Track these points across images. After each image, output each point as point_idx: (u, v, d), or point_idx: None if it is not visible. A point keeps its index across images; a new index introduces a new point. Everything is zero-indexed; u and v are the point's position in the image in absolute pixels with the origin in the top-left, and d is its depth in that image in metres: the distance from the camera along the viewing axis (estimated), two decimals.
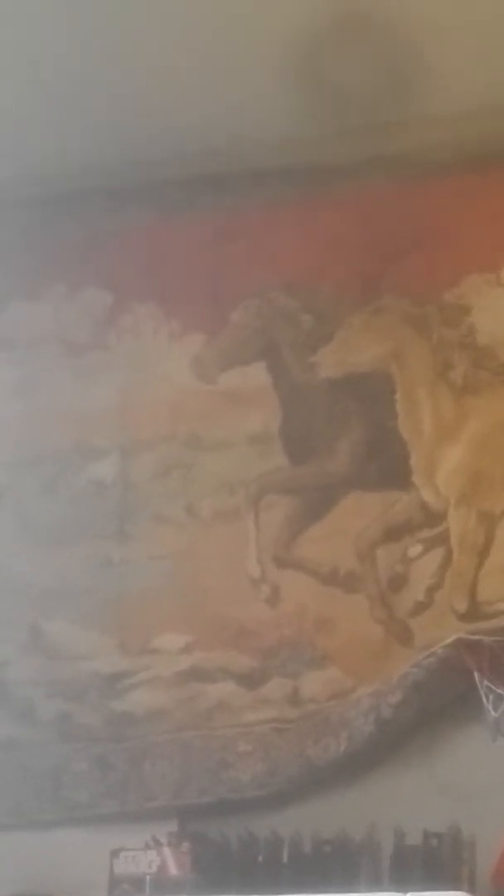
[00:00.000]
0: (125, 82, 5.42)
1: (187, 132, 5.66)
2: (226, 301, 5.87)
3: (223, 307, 5.87)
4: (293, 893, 4.75)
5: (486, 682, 4.93)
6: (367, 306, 5.69)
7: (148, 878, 5.01)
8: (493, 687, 4.92)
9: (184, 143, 5.71)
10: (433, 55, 5.30)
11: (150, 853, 5.06)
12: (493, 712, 4.91)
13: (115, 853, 5.09)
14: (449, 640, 5.10)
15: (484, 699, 4.92)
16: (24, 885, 5.27)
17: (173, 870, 5.01)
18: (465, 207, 5.64)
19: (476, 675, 4.95)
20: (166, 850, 5.05)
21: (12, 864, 5.35)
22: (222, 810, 5.27)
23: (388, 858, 4.94)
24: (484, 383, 5.49)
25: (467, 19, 5.13)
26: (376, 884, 4.89)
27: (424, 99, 5.50)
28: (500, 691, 4.90)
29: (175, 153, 5.76)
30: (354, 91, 5.43)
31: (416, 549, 5.43)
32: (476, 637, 5.05)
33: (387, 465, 5.53)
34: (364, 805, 5.11)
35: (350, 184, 5.74)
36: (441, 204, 5.67)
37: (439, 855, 4.89)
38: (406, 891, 4.75)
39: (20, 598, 5.82)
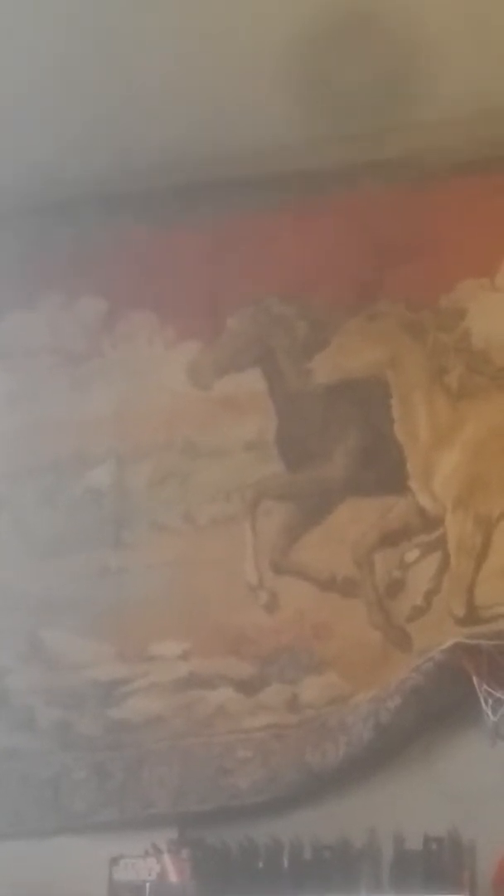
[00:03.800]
0: (120, 90, 5.42)
1: (182, 140, 5.66)
2: (221, 308, 5.86)
3: (219, 314, 5.86)
4: None
5: (484, 687, 4.93)
6: (362, 312, 5.69)
7: (148, 885, 5.01)
8: (491, 691, 4.92)
9: (179, 150, 5.71)
10: (430, 61, 5.29)
11: (150, 860, 5.05)
12: (491, 716, 4.91)
13: (114, 861, 5.08)
14: (447, 645, 5.09)
15: (483, 703, 4.92)
16: (24, 893, 5.27)
17: (173, 877, 5.01)
18: (461, 212, 5.64)
19: (475, 679, 4.95)
20: (166, 858, 5.05)
21: (12, 872, 5.34)
22: (222, 817, 5.26)
23: (388, 864, 4.93)
24: (479, 387, 5.48)
25: (465, 24, 5.12)
26: (377, 889, 4.89)
27: (421, 104, 5.49)
28: (498, 695, 4.90)
29: (170, 161, 5.75)
30: (350, 97, 5.42)
31: (413, 555, 5.42)
32: (474, 641, 5.04)
33: (383, 470, 5.53)
34: (364, 810, 5.10)
35: (345, 190, 5.75)
36: (437, 209, 5.67)
37: (440, 860, 4.87)
38: None
39: (19, 608, 5.82)
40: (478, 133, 5.58)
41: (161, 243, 6.00)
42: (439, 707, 5.15)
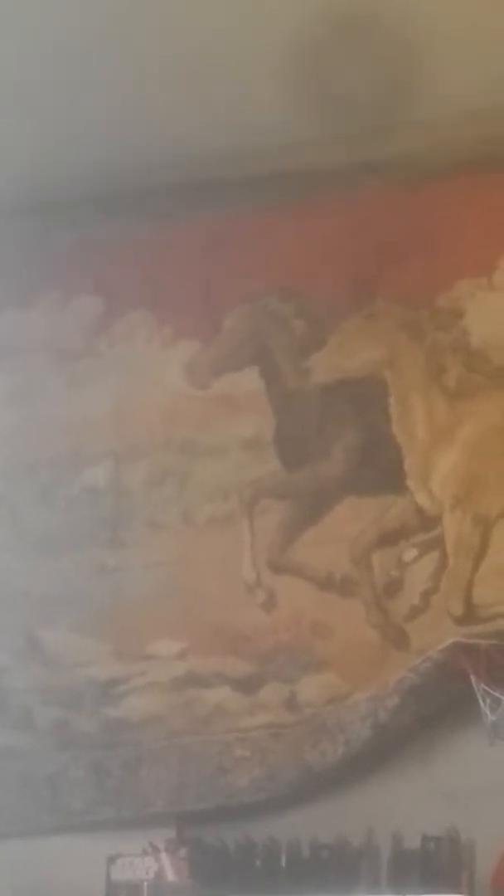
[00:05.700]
0: (118, 89, 5.41)
1: (181, 138, 5.65)
2: (219, 307, 5.86)
3: (216, 313, 5.86)
4: None
5: (482, 686, 4.93)
6: (360, 311, 5.68)
7: (145, 884, 5.02)
8: (489, 690, 4.92)
9: (177, 149, 5.70)
10: (427, 60, 5.27)
11: (148, 859, 5.05)
12: (489, 715, 4.91)
13: (112, 859, 5.09)
14: (445, 644, 5.10)
15: (481, 702, 4.92)
16: (21, 892, 5.27)
17: (171, 876, 5.01)
18: (459, 211, 5.63)
19: (473, 678, 4.95)
20: (164, 856, 5.05)
21: (9, 871, 5.35)
22: (220, 816, 5.26)
23: (386, 863, 4.92)
24: (477, 387, 5.47)
25: (464, 23, 5.11)
26: (375, 888, 4.89)
27: (419, 103, 5.48)
28: (496, 694, 4.90)
29: (168, 159, 5.75)
30: (348, 96, 5.42)
31: (411, 554, 5.41)
32: (472, 640, 5.05)
33: (381, 469, 5.52)
34: (362, 809, 5.09)
35: (343, 188, 5.73)
36: (434, 208, 5.66)
37: (438, 859, 4.87)
38: (405, 895, 4.76)
39: (16, 606, 5.83)
40: (476, 132, 5.57)
41: (159, 242, 5.99)
42: (437, 706, 5.15)
